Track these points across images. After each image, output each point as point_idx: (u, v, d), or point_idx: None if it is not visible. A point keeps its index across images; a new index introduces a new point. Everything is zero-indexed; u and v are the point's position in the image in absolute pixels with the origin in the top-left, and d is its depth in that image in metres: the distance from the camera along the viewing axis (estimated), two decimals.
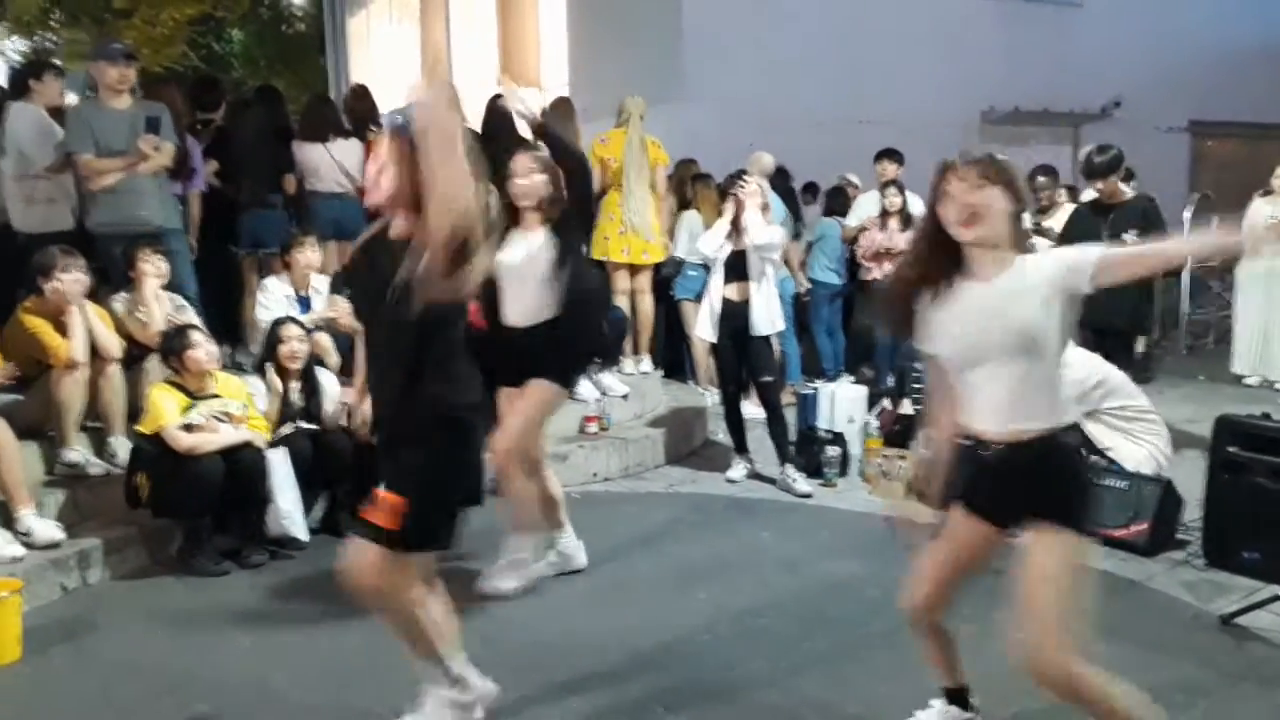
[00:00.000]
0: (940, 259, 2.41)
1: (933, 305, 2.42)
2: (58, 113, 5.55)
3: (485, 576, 3.91)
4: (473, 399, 2.71)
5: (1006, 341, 2.33)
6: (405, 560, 2.63)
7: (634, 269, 6.64)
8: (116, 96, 5.20)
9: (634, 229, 6.45)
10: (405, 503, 2.54)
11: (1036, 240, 6.94)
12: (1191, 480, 4.40)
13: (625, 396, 6.18)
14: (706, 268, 6.96)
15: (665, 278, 7.12)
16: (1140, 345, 8.63)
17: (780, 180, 7.69)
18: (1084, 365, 4.81)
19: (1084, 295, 2.30)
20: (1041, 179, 7.15)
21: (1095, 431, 4.84)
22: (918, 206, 7.50)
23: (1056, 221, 7.01)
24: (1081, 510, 2.45)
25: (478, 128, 6.89)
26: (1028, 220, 7.04)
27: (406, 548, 2.60)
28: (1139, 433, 4.79)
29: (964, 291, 2.40)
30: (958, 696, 2.83)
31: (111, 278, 5.12)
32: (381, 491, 2.57)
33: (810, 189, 8.01)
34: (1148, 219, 5.78)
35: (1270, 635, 3.51)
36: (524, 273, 3.77)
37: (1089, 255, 2.29)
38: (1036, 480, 2.44)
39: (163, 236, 5.24)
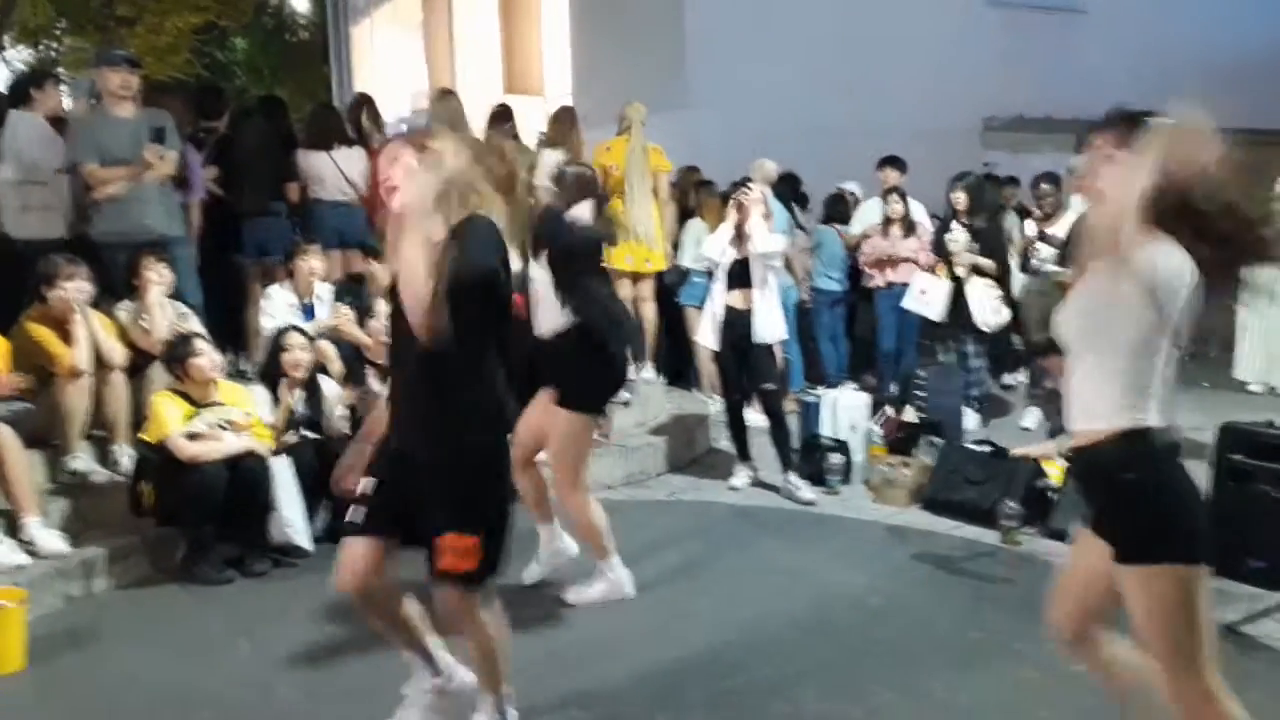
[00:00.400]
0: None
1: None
2: (58, 122, 5.58)
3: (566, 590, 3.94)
4: (501, 418, 2.71)
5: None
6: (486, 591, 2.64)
7: (636, 277, 6.65)
8: (120, 103, 5.23)
9: (637, 237, 6.46)
10: (478, 541, 2.54)
11: (1040, 247, 6.95)
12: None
13: (627, 404, 6.18)
14: (710, 274, 6.99)
15: (669, 285, 7.12)
16: None
17: (787, 186, 7.69)
18: None
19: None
20: (1045, 186, 7.14)
21: None
22: (920, 213, 7.51)
23: (1060, 228, 7.00)
24: (1150, 538, 2.15)
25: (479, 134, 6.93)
26: (1031, 227, 7.08)
27: (484, 580, 2.61)
28: None
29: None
30: None
31: (115, 287, 5.13)
32: (449, 538, 2.53)
33: (799, 199, 8.00)
34: None
35: (1276, 644, 3.51)
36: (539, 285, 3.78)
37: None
38: (1095, 497, 2.25)
39: (167, 245, 5.25)
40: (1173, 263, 2.09)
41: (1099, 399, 2.17)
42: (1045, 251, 6.93)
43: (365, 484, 2.71)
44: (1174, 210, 2.07)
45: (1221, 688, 2.22)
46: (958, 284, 6.75)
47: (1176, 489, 2.18)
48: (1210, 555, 2.18)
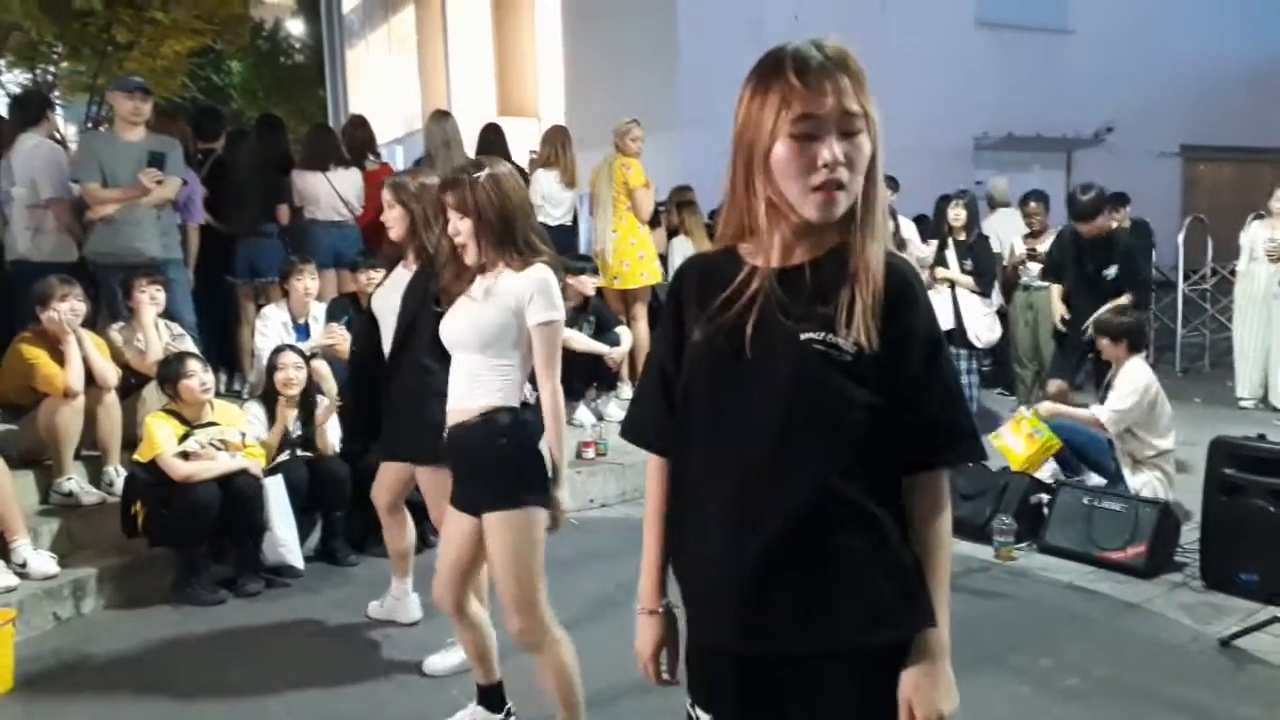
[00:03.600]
0: None
1: None
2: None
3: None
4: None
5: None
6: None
7: (629, 294, 6.66)
8: (130, 129, 5.31)
9: (601, 256, 6.51)
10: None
11: (1030, 265, 7.00)
12: (1189, 502, 4.39)
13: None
14: None
15: (660, 303, 7.14)
16: None
17: None
18: (1143, 379, 4.86)
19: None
20: (1033, 204, 7.19)
21: (1120, 455, 4.88)
22: (910, 231, 7.55)
23: (1047, 246, 7.05)
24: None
25: (471, 154, 6.97)
26: (1020, 245, 7.12)
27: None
28: (1149, 461, 4.81)
29: None
30: None
31: (108, 307, 5.14)
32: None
33: None
34: (1128, 258, 5.83)
35: (1270, 657, 3.50)
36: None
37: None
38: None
39: (160, 267, 5.28)
40: None
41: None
42: (1034, 269, 6.98)
43: None
44: None
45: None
46: (953, 298, 6.80)
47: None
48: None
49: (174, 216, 5.58)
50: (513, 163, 6.99)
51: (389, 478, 3.72)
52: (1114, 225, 5.45)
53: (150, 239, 5.28)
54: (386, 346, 3.50)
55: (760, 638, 1.44)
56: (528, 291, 2.61)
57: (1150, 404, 4.85)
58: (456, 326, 2.69)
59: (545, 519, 2.65)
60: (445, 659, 3.55)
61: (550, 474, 2.65)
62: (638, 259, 6.58)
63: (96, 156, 5.24)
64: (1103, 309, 5.45)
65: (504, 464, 2.62)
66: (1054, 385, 5.46)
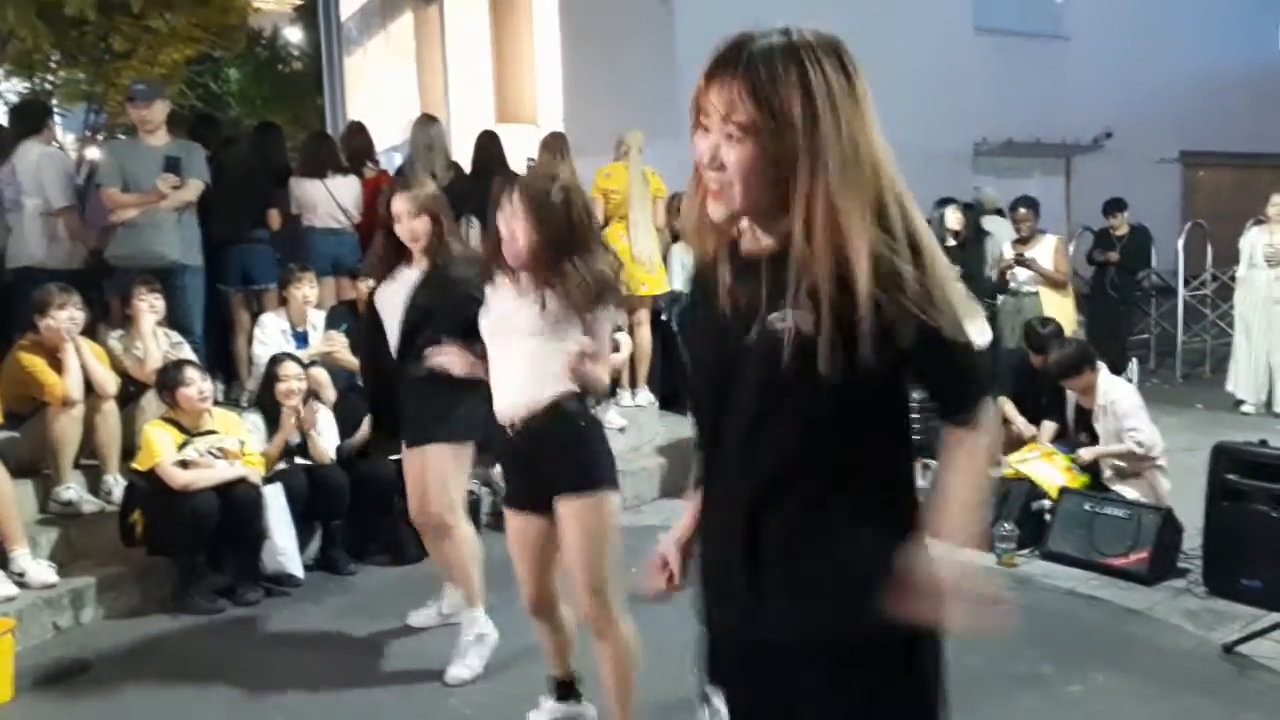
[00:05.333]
0: None
1: None
2: None
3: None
4: None
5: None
6: None
7: (631, 301, 6.66)
8: (150, 134, 5.38)
9: (638, 261, 6.49)
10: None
11: (1019, 271, 7.01)
12: (1191, 508, 4.38)
13: (623, 429, 6.17)
14: None
15: (663, 307, 7.13)
16: (1134, 373, 8.68)
17: None
18: (1133, 396, 4.84)
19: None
20: (1022, 210, 7.19)
21: (1104, 464, 4.85)
22: None
23: (1038, 252, 7.05)
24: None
25: (468, 163, 6.97)
26: (1009, 250, 7.13)
27: None
28: (1145, 467, 4.79)
29: None
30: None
31: (125, 310, 5.19)
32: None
33: None
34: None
35: (1273, 663, 3.48)
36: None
37: None
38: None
39: (177, 272, 5.34)
40: None
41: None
42: (1023, 275, 6.98)
43: None
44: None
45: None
46: None
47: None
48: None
49: (195, 221, 5.59)
50: (510, 170, 7.04)
51: (419, 475, 3.56)
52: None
53: (171, 243, 5.32)
54: (392, 341, 3.52)
55: (739, 622, 1.49)
56: None
57: (1141, 405, 4.83)
58: (517, 314, 2.67)
59: (619, 504, 2.68)
60: (467, 667, 3.48)
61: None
62: (662, 266, 6.72)
63: (119, 162, 5.35)
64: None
65: (579, 449, 2.63)
66: (1046, 428, 5.32)
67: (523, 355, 2.67)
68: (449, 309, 3.29)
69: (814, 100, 1.33)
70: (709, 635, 1.58)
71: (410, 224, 3.46)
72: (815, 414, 1.39)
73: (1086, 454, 4.91)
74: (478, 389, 2.95)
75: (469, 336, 2.98)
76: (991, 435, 1.53)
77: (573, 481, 2.62)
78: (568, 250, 2.65)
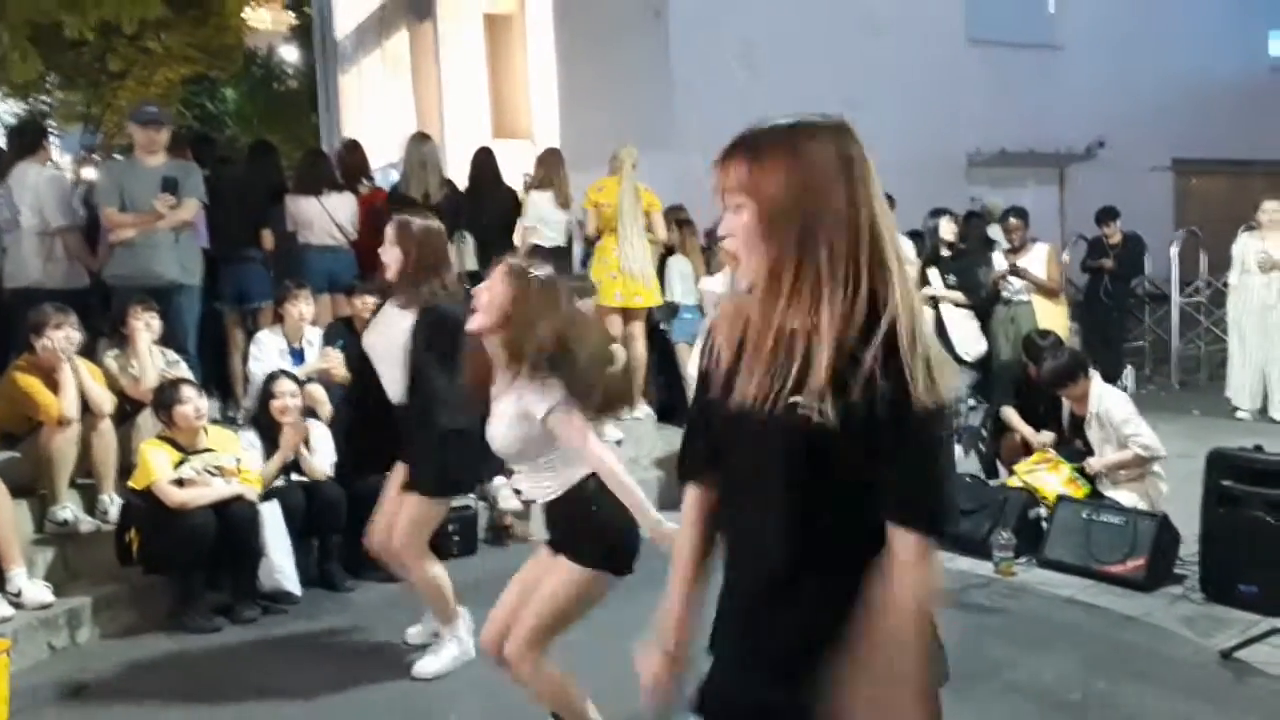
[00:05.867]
0: None
1: None
2: None
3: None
4: None
5: None
6: None
7: (626, 313, 6.67)
8: (149, 156, 5.39)
9: (630, 274, 6.50)
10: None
11: (1012, 280, 7.03)
12: (1188, 514, 4.39)
13: (620, 442, 6.17)
14: (701, 309, 7.01)
15: (659, 320, 7.15)
16: (1130, 380, 8.69)
17: None
18: (1126, 403, 4.85)
19: None
20: (1013, 220, 7.22)
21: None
22: (905, 248, 7.56)
23: (1030, 261, 7.07)
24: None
25: (465, 180, 7.00)
26: (1002, 260, 7.15)
27: None
28: (1144, 472, 4.80)
29: None
30: None
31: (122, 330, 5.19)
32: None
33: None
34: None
35: (1270, 669, 3.48)
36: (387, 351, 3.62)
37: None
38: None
39: (175, 291, 5.35)
40: None
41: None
42: (1016, 284, 7.00)
43: None
44: None
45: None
46: (937, 314, 6.80)
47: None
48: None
49: (194, 241, 5.61)
50: (506, 185, 7.07)
51: (391, 519, 3.62)
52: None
53: (169, 263, 5.33)
54: (384, 381, 3.58)
55: (745, 688, 1.53)
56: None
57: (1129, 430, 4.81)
58: (499, 431, 2.77)
59: (605, 587, 2.73)
60: (436, 661, 3.64)
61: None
62: (656, 278, 6.75)
63: (117, 182, 5.35)
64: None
65: (593, 527, 2.70)
66: (1046, 436, 5.32)
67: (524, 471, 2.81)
68: (447, 352, 3.34)
69: (800, 178, 1.42)
70: (714, 674, 1.59)
71: (387, 249, 3.54)
72: (805, 493, 1.43)
73: (1096, 464, 4.87)
74: (476, 442, 3.02)
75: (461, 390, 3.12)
76: (937, 573, 1.46)
77: (578, 554, 2.70)
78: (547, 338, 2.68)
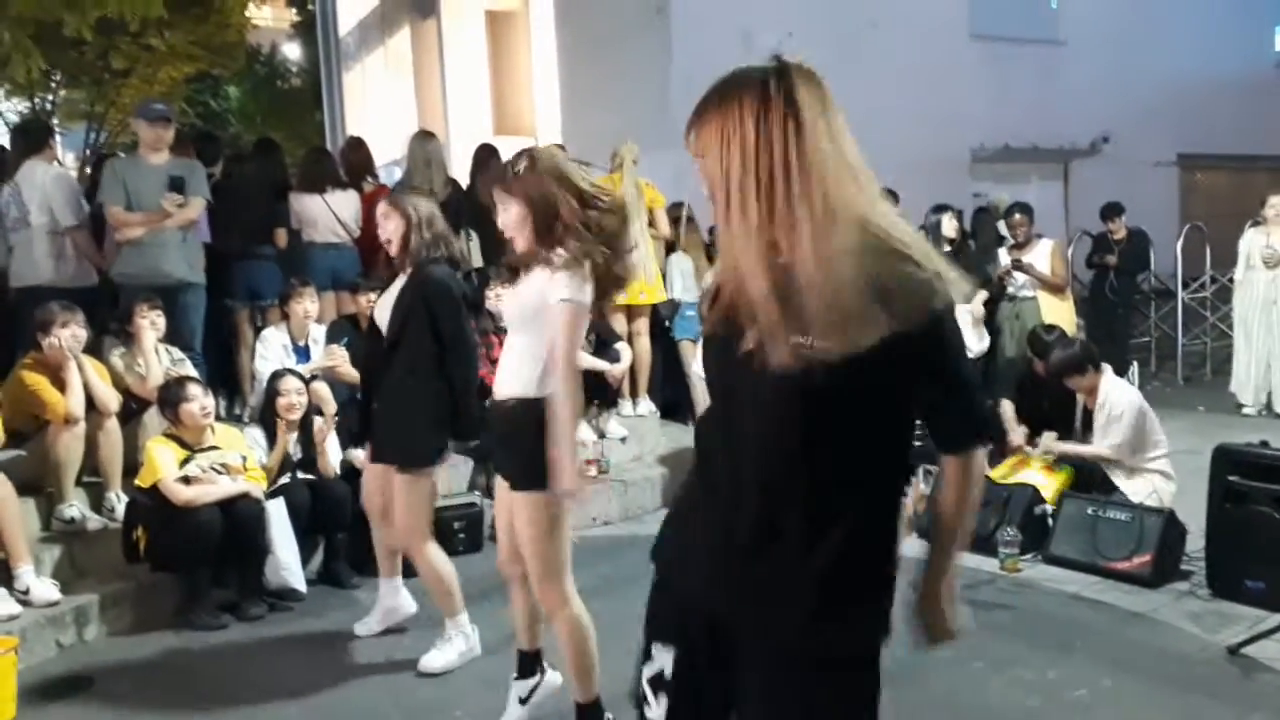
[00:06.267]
0: None
1: None
2: None
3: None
4: None
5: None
6: None
7: (631, 310, 6.67)
8: (154, 153, 5.40)
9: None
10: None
11: (1017, 276, 7.01)
12: (1194, 510, 4.38)
13: (624, 439, 6.17)
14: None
15: (663, 317, 7.14)
16: (1135, 376, 8.68)
17: None
18: (1125, 397, 4.84)
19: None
20: (1018, 215, 7.20)
21: (1109, 466, 4.85)
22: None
23: (1035, 257, 7.06)
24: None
25: (467, 177, 6.99)
26: (1005, 256, 7.14)
27: None
28: (1150, 467, 4.79)
29: None
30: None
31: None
32: None
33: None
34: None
35: (1277, 664, 3.47)
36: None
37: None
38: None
39: (182, 290, 5.37)
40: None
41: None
42: (1020, 279, 6.99)
43: None
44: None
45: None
46: None
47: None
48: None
49: (199, 239, 5.62)
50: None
51: (377, 483, 3.78)
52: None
53: (176, 261, 5.35)
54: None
55: (730, 605, 1.54)
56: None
57: (1138, 416, 4.79)
58: (508, 307, 2.89)
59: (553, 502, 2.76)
60: (442, 656, 3.66)
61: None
62: (659, 275, 6.76)
63: (121, 180, 5.33)
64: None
65: (531, 450, 2.70)
66: (1048, 439, 5.33)
67: (509, 347, 2.86)
68: (423, 311, 3.44)
69: (725, 131, 1.46)
70: (670, 589, 1.66)
71: (382, 224, 3.58)
72: (823, 431, 1.45)
73: (1055, 446, 5.02)
74: (446, 410, 3.19)
75: (447, 337, 3.35)
76: (985, 449, 1.63)
77: (522, 479, 2.77)
78: (557, 229, 2.73)
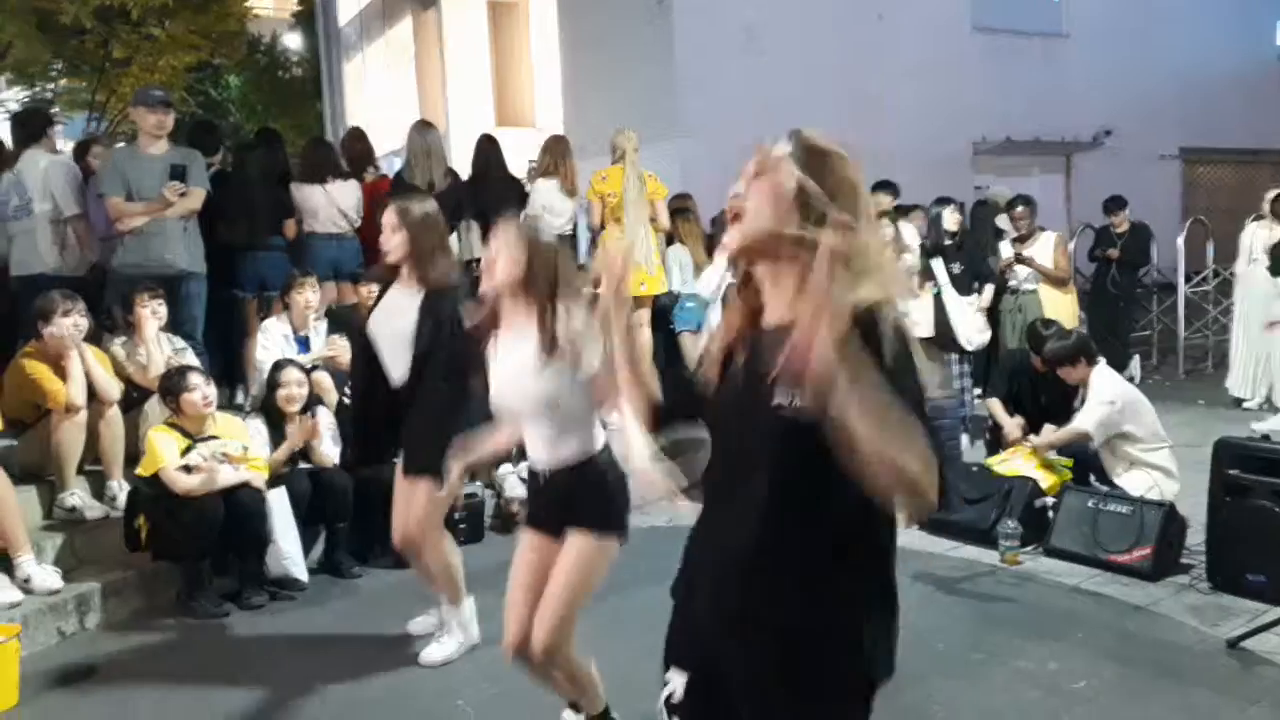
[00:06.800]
0: None
1: None
2: None
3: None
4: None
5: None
6: None
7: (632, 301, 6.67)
8: (153, 142, 5.37)
9: (635, 262, 6.50)
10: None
11: (1019, 269, 7.01)
12: (1194, 504, 4.39)
13: None
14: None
15: (663, 308, 7.14)
16: (1136, 369, 8.68)
17: None
18: (1111, 387, 4.85)
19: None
20: (1020, 208, 7.19)
21: (1106, 459, 4.85)
22: (910, 236, 7.54)
23: (1037, 250, 7.05)
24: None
25: (468, 167, 6.98)
26: (1008, 249, 7.13)
27: None
28: (1149, 460, 4.80)
29: None
30: None
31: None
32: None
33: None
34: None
35: (1277, 658, 3.48)
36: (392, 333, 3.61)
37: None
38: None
39: (184, 279, 5.36)
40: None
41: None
42: (1023, 273, 6.98)
43: None
44: None
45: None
46: (939, 302, 6.77)
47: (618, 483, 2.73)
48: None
49: (198, 228, 5.61)
50: (509, 173, 7.05)
51: (420, 505, 3.58)
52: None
53: (178, 251, 5.34)
54: (390, 368, 3.56)
55: (719, 636, 1.61)
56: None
57: (1125, 405, 4.81)
58: (524, 369, 2.72)
59: (616, 552, 2.73)
60: (441, 649, 3.66)
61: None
62: (660, 266, 6.74)
63: (121, 170, 5.31)
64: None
65: (603, 496, 2.71)
66: (1048, 431, 5.35)
67: (543, 416, 2.69)
68: (445, 349, 3.39)
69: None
70: (684, 616, 1.71)
71: (389, 237, 3.53)
72: (794, 480, 1.50)
73: (1037, 441, 5.05)
74: (476, 417, 3.02)
75: (464, 371, 3.16)
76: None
77: (592, 521, 2.68)
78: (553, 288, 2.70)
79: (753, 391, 1.52)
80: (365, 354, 3.68)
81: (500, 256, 2.73)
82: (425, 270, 3.47)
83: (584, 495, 2.69)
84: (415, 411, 3.50)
